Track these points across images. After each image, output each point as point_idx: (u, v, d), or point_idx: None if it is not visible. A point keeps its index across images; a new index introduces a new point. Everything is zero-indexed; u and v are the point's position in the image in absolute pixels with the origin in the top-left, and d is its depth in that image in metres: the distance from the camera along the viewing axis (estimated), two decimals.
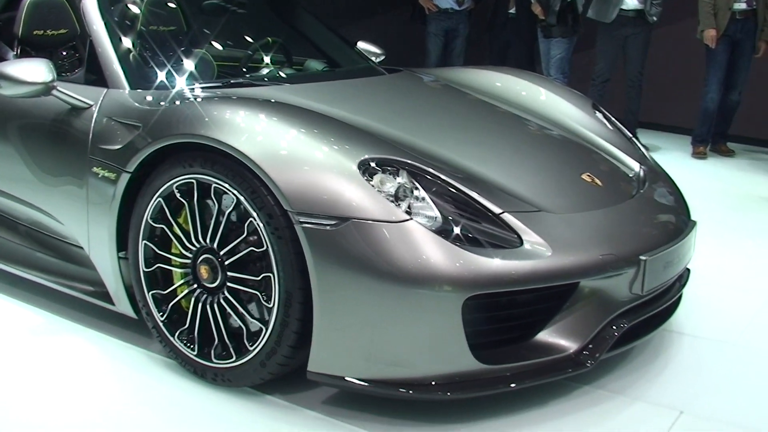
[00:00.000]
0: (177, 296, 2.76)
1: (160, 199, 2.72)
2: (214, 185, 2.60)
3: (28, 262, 3.31)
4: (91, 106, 3.04)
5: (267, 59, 4.16)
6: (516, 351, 2.57)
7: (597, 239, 2.66)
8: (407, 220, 2.39)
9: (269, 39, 4.15)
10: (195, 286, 2.72)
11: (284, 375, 2.62)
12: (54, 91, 3.01)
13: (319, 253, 2.39)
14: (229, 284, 2.63)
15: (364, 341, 2.42)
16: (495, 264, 2.39)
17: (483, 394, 2.50)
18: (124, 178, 2.81)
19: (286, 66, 4.10)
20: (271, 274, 2.50)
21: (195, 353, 2.72)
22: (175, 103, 2.86)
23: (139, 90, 3.08)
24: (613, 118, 3.82)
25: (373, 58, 4.36)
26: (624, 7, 6.70)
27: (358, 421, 2.54)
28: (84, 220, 3.00)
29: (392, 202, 2.43)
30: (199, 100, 2.83)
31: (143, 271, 2.81)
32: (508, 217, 2.56)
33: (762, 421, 2.63)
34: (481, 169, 2.80)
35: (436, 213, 2.48)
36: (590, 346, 2.62)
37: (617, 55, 6.98)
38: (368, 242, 2.36)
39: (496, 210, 2.56)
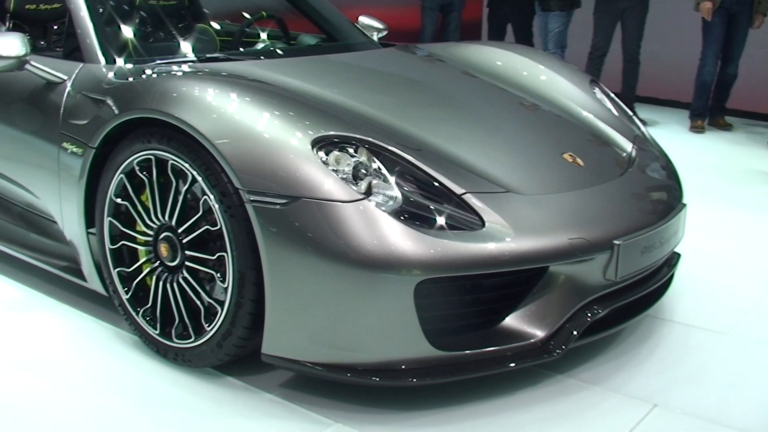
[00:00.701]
0: (141, 274, 2.73)
1: (122, 175, 2.68)
2: (170, 162, 2.54)
3: (7, 235, 3.32)
4: (65, 80, 3.01)
5: (263, 35, 4.11)
6: (478, 337, 2.47)
7: (568, 222, 2.54)
8: (359, 199, 2.30)
9: (263, 13, 4.08)
10: (157, 264, 2.68)
11: (245, 356, 2.57)
12: (28, 66, 2.99)
13: (270, 232, 2.32)
14: (187, 263, 2.58)
15: (317, 324, 2.36)
16: (449, 247, 2.29)
17: (439, 382, 2.41)
18: (89, 154, 2.78)
19: (281, 40, 4.03)
20: (225, 254, 2.44)
21: (157, 332, 2.69)
22: (140, 77, 2.81)
23: (113, 65, 3.04)
24: (612, 94, 3.67)
25: (375, 33, 4.25)
26: None
27: (315, 405, 2.48)
28: (57, 196, 2.98)
29: (348, 180, 2.35)
30: (163, 75, 2.78)
31: (109, 248, 2.78)
32: (469, 198, 2.45)
33: (742, 419, 2.49)
34: (452, 147, 2.69)
35: (395, 193, 2.39)
36: (559, 333, 2.52)
37: (614, 29, 6.91)
38: (318, 222, 2.29)
39: (458, 190, 2.46)
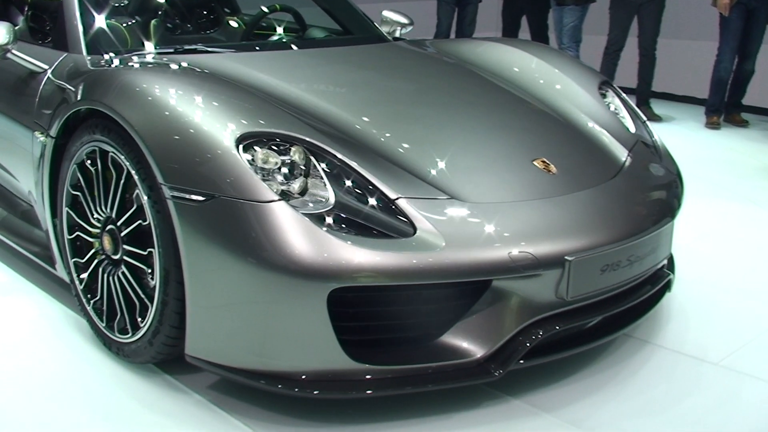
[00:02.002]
0: (92, 265, 2.72)
1: (75, 165, 2.68)
2: (110, 154, 2.52)
3: None
4: (46, 70, 3.04)
5: (279, 28, 4.05)
6: (410, 352, 2.32)
7: (515, 233, 2.35)
8: (275, 201, 2.20)
9: (276, 6, 4.03)
10: (103, 256, 2.66)
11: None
12: (9, 54, 3.03)
13: (188, 229, 2.26)
14: (125, 257, 2.54)
15: (235, 327, 2.27)
16: (367, 255, 2.16)
17: (357, 397, 2.28)
18: (50, 144, 2.79)
19: (296, 33, 3.96)
20: (153, 250, 2.39)
21: (103, 325, 2.67)
22: (98, 68, 2.80)
23: (92, 55, 3.05)
24: (624, 96, 3.43)
25: (398, 28, 4.14)
26: None
27: (238, 411, 2.39)
28: (32, 183, 3.02)
29: (274, 180, 2.25)
30: (115, 67, 2.76)
31: (67, 238, 2.78)
32: (403, 204, 2.31)
33: None
34: (407, 149, 2.55)
35: (329, 194, 2.28)
36: (502, 353, 2.34)
37: (630, 24, 6.80)
38: (233, 221, 2.20)
39: (392, 195, 2.32)
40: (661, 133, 6.39)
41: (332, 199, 2.28)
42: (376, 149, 2.51)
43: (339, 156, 2.36)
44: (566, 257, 2.33)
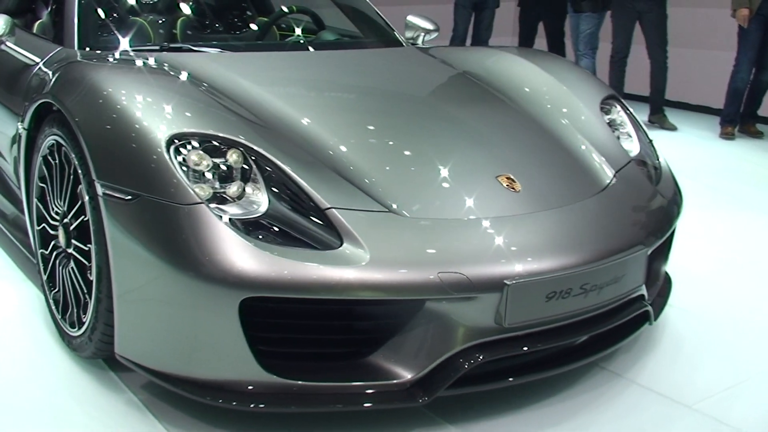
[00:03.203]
0: (52, 257, 2.74)
1: (41, 158, 2.71)
2: (63, 147, 2.53)
3: None
4: (37, 63, 3.10)
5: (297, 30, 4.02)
6: (332, 369, 2.23)
7: (451, 252, 2.23)
8: (195, 204, 2.15)
9: (293, 7, 4.00)
10: (60, 249, 2.68)
11: None
12: (3, 46, 3.11)
13: (115, 227, 2.24)
14: (72, 252, 2.55)
15: (158, 330, 2.24)
16: (283, 265, 2.08)
17: (276, 411, 2.21)
18: (24, 135, 2.83)
19: (309, 34, 3.93)
20: (90, 246, 2.39)
21: (59, 317, 2.69)
22: (70, 63, 2.83)
23: (83, 50, 3.09)
24: (632, 112, 3.24)
25: (422, 34, 4.06)
26: None
27: (167, 415, 2.35)
28: (20, 172, 3.08)
29: (201, 182, 2.21)
30: (78, 61, 2.78)
31: (36, 229, 2.82)
32: (333, 215, 2.22)
33: None
34: (355, 157, 2.47)
35: (261, 200, 2.23)
36: (430, 378, 2.22)
37: (632, 31, 6.78)
38: (155, 222, 2.18)
39: (323, 205, 2.24)
40: (674, 142, 6.13)
41: (264, 206, 2.22)
42: (323, 157, 2.43)
43: (276, 162, 2.30)
44: (505, 281, 2.19)
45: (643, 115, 7.07)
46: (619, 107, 3.25)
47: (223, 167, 2.26)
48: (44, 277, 2.79)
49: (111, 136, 2.31)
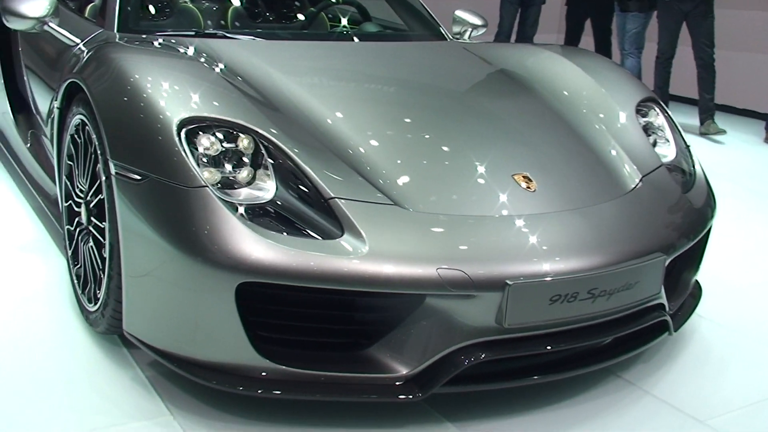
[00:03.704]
0: (75, 233, 2.81)
1: (69, 136, 2.78)
2: (87, 126, 2.59)
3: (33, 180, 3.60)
4: (78, 44, 3.18)
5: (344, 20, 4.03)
6: (330, 359, 2.23)
7: (454, 248, 2.20)
8: (200, 187, 2.17)
9: None
10: (83, 225, 2.74)
11: None
12: (46, 27, 3.20)
13: (126, 206, 2.29)
14: (91, 229, 2.61)
15: (163, 311, 2.28)
16: (280, 252, 2.09)
17: (272, 397, 2.21)
18: (56, 114, 2.91)
19: (354, 25, 3.93)
20: (105, 224, 2.44)
21: (80, 292, 2.76)
22: (100, 45, 2.89)
23: (122, 33, 3.16)
24: (671, 115, 3.16)
25: (469, 29, 4.03)
26: None
27: (168, 392, 2.39)
28: (53, 150, 3.17)
29: (209, 166, 2.23)
30: (112, 43, 2.84)
31: (63, 205, 2.90)
32: (336, 204, 2.22)
33: None
34: (368, 149, 2.45)
35: (268, 187, 2.25)
36: (427, 374, 2.20)
37: (678, 31, 6.64)
38: (161, 204, 2.21)
39: (327, 194, 2.23)
40: (719, 146, 6.08)
41: (271, 193, 2.24)
42: (335, 147, 2.42)
43: (285, 150, 2.31)
44: (507, 281, 2.15)
45: (690, 119, 6.94)
46: (657, 110, 3.15)
47: (234, 153, 2.28)
48: (69, 253, 2.87)
49: (125, 117, 2.36)
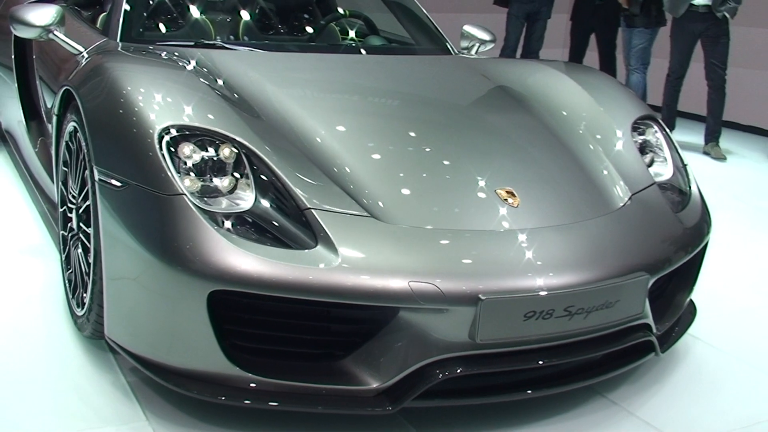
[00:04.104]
0: (67, 239, 2.86)
1: (64, 142, 2.83)
2: (78, 133, 2.63)
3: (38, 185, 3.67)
4: (81, 53, 3.24)
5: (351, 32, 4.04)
6: (301, 369, 2.24)
7: (428, 262, 2.19)
8: (177, 194, 2.20)
9: (346, 11, 4.03)
10: (74, 231, 2.79)
11: None
12: (51, 35, 3.26)
13: (108, 212, 2.32)
14: (80, 234, 2.65)
15: (140, 317, 2.30)
16: (252, 262, 2.10)
17: (238, 405, 2.22)
18: (55, 120, 2.97)
19: (361, 38, 3.95)
20: (91, 229, 2.48)
21: (71, 296, 2.80)
22: (96, 53, 2.94)
23: (125, 42, 3.21)
24: (669, 134, 3.13)
25: (476, 44, 4.04)
26: (694, 2, 6.26)
27: (147, 399, 2.41)
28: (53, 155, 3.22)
29: (189, 175, 2.25)
30: (106, 51, 2.88)
31: (59, 211, 2.95)
32: (312, 215, 2.23)
33: None
34: (353, 161, 2.46)
35: (248, 196, 2.26)
36: (399, 387, 2.19)
37: (690, 52, 6.56)
38: (140, 210, 2.25)
39: (304, 205, 2.25)
40: (724, 163, 6.14)
41: (249, 202, 2.26)
42: (317, 159, 2.44)
43: (265, 159, 2.33)
44: (480, 296, 2.14)
45: (696, 136, 6.90)
46: (655, 128, 3.12)
47: (216, 162, 2.30)
48: (62, 257, 2.91)
49: (110, 124, 2.40)
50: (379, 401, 2.19)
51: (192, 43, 3.29)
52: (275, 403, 2.19)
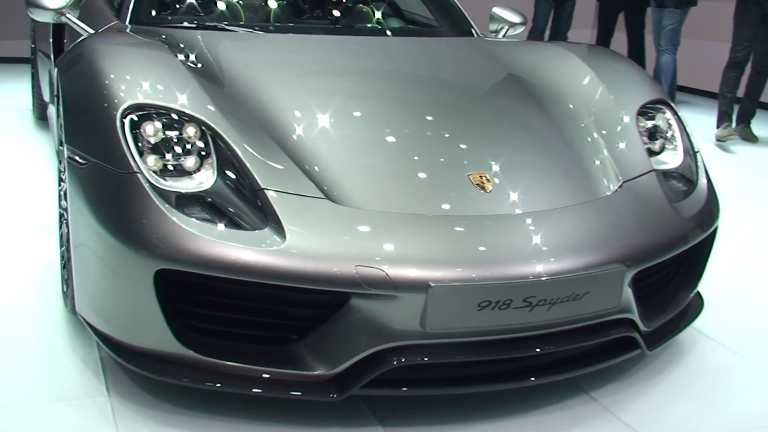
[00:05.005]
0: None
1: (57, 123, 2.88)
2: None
3: None
4: (92, 34, 3.29)
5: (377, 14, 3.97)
6: (252, 351, 2.21)
7: (378, 246, 2.12)
8: (132, 172, 2.20)
9: None
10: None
11: None
12: (64, 18, 3.33)
13: (74, 188, 2.35)
14: (63, 211, 2.70)
15: (99, 292, 2.32)
16: (199, 242, 2.08)
17: (190, 385, 2.21)
18: (54, 101, 3.03)
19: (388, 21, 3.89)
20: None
21: (61, 270, 2.86)
22: (87, 36, 2.97)
23: (132, 24, 3.25)
24: (683, 119, 2.96)
25: (505, 27, 3.93)
26: None
27: (116, 372, 2.44)
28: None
29: (152, 153, 2.25)
30: (95, 33, 2.90)
31: (57, 189, 3.01)
32: (265, 196, 2.19)
33: None
34: (317, 142, 2.41)
35: (208, 176, 2.26)
36: (348, 375, 2.14)
37: (756, 36, 6.12)
38: (98, 187, 2.26)
39: (257, 185, 2.21)
40: (758, 146, 6.00)
41: (210, 183, 2.24)
42: (283, 140, 2.39)
43: (227, 139, 2.30)
44: (430, 283, 2.06)
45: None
46: (668, 113, 2.94)
47: (180, 141, 2.30)
48: (60, 234, 2.98)
49: (80, 103, 2.42)
50: (326, 388, 2.15)
51: (195, 25, 3.29)
52: (218, 384, 2.17)
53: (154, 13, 3.41)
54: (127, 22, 3.27)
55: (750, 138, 6.33)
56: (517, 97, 2.92)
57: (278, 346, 2.22)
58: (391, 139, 2.52)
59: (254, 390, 2.17)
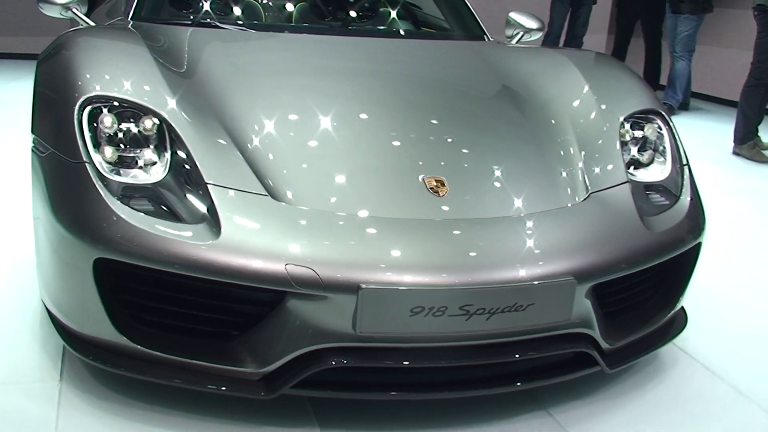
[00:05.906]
0: None
1: None
2: None
3: None
4: (74, 30, 3.37)
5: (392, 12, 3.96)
6: (192, 345, 2.22)
7: (311, 246, 2.10)
8: (81, 162, 2.23)
9: None
10: None
11: None
12: (70, 12, 3.42)
13: (35, 177, 2.40)
14: None
15: (53, 278, 2.35)
16: (133, 233, 2.09)
17: (127, 375, 2.24)
18: None
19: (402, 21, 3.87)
20: None
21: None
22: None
23: (134, 21, 3.32)
24: (674, 131, 2.85)
25: (520, 32, 3.87)
26: None
27: (74, 363, 2.48)
28: None
29: (108, 144, 2.29)
30: (81, 28, 2.96)
31: None
32: (208, 190, 2.20)
33: None
34: (268, 140, 2.41)
35: (160, 168, 2.28)
36: (279, 374, 2.13)
37: None
38: (51, 176, 2.31)
39: (202, 180, 2.22)
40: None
41: (160, 175, 2.26)
42: (238, 137, 2.39)
43: (179, 133, 2.32)
44: (361, 285, 2.03)
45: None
46: (659, 123, 2.83)
47: (138, 133, 2.32)
48: None
49: (45, 94, 2.48)
50: (257, 386, 2.14)
51: (190, 22, 3.34)
52: (155, 377, 2.18)
53: (155, 10, 3.45)
54: (129, 18, 3.33)
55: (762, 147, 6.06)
56: (499, 104, 2.86)
57: (218, 342, 2.22)
58: (353, 139, 2.49)
59: (189, 384, 2.18)
